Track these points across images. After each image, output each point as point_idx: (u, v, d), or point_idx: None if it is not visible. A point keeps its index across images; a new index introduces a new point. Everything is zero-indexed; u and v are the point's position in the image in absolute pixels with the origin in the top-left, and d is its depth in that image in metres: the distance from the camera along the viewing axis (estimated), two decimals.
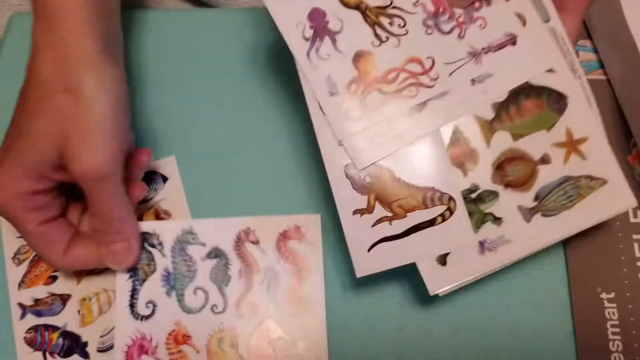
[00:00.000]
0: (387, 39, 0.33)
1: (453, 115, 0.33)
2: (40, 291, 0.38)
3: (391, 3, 0.33)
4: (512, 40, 0.34)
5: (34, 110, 0.31)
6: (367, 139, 0.33)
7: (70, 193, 0.35)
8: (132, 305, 0.36)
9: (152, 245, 0.37)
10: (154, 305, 0.36)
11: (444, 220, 0.33)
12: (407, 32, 0.33)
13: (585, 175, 0.33)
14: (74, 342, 0.37)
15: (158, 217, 0.39)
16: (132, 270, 0.36)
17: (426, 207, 0.33)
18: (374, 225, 0.32)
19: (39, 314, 0.37)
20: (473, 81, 0.33)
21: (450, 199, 0.33)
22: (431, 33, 0.33)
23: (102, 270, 0.38)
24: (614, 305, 0.36)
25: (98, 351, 0.36)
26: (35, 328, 0.37)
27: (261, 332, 0.35)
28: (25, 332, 0.37)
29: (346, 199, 0.32)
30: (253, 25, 0.44)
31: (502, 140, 0.33)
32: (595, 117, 0.34)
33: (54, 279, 0.38)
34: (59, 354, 0.36)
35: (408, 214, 0.33)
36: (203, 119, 0.42)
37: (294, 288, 0.36)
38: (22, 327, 0.37)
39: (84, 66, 0.31)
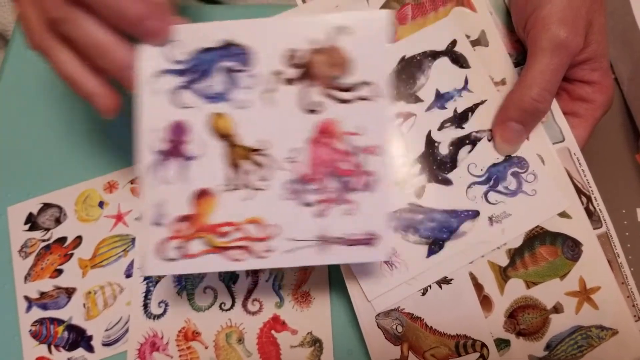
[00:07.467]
0: (237, 188, 0.28)
1: (471, 256, 0.32)
2: (46, 284, 0.38)
3: (265, 149, 0.28)
4: (368, 241, 0.28)
5: None
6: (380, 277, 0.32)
7: None
8: (145, 306, 0.36)
9: None
10: (166, 305, 0.37)
11: None
12: (265, 189, 0.28)
13: (597, 325, 0.32)
14: (79, 336, 0.37)
15: None
16: None
17: (459, 356, 0.32)
18: None
19: (44, 307, 0.37)
20: (491, 220, 0.33)
21: (483, 345, 0.32)
22: (289, 199, 0.28)
23: (108, 264, 0.38)
24: None
25: (103, 345, 0.36)
26: (40, 321, 0.37)
27: (267, 327, 0.36)
28: (30, 325, 0.37)
29: (379, 350, 0.32)
30: None
31: (516, 288, 0.33)
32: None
33: (59, 272, 0.38)
34: (64, 347, 0.36)
35: None
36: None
37: (299, 284, 0.36)
38: (28, 320, 0.37)
39: None
